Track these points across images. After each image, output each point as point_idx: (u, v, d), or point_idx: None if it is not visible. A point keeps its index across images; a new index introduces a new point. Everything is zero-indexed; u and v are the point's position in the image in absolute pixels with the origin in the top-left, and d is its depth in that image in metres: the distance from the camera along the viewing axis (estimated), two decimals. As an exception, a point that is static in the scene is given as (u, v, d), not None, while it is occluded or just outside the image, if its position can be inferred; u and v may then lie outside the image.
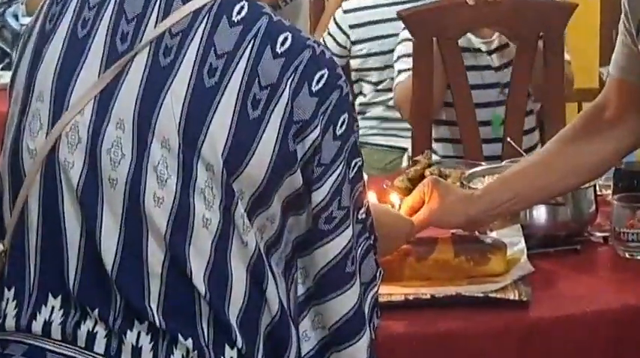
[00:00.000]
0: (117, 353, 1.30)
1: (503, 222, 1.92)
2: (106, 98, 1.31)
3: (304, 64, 1.31)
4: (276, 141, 1.30)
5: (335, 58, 1.36)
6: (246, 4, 1.33)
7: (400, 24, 2.91)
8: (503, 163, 2.23)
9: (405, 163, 3.09)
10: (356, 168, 1.36)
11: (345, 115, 1.33)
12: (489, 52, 2.91)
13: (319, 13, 3.75)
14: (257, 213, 1.31)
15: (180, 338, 1.29)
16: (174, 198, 1.28)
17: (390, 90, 3.14)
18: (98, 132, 1.30)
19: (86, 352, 1.30)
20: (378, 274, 1.42)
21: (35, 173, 1.33)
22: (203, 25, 1.31)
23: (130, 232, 1.29)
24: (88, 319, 1.31)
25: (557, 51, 2.82)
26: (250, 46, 1.30)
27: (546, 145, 1.91)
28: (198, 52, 1.30)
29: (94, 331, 1.30)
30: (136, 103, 1.30)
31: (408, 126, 3.00)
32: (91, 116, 1.31)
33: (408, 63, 2.88)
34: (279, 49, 1.31)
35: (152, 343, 1.30)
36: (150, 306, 1.29)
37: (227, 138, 1.28)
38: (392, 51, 3.04)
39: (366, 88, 3.32)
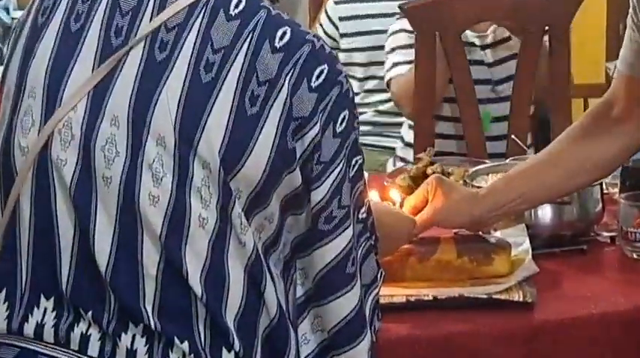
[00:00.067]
0: (111, 356, 1.29)
1: (508, 222, 1.92)
2: (99, 94, 1.30)
3: (304, 58, 1.30)
4: (275, 138, 1.29)
5: None
6: (243, -4, 1.32)
7: (389, 20, 2.89)
8: (507, 161, 2.22)
9: (391, 164, 3.05)
10: (356, 167, 1.35)
11: (346, 112, 1.32)
12: (483, 47, 2.88)
13: (319, 7, 3.75)
14: (255, 212, 1.30)
15: (176, 341, 1.29)
16: (170, 196, 1.28)
17: (379, 91, 3.11)
18: (92, 129, 1.30)
19: (79, 355, 1.30)
20: (379, 275, 1.41)
21: (27, 171, 1.32)
22: (200, 18, 1.30)
23: (125, 232, 1.29)
24: (82, 321, 1.30)
25: (563, 45, 2.80)
26: (248, 40, 1.29)
27: (552, 143, 1.90)
28: (194, 46, 1.29)
29: (88, 333, 1.30)
30: (130, 99, 1.29)
31: (397, 125, 2.97)
32: (85, 112, 1.30)
33: (404, 55, 2.84)
34: (277, 44, 1.30)
35: (147, 346, 1.29)
36: (145, 308, 1.28)
37: (224, 136, 1.27)
38: (378, 47, 3.01)
39: (353, 85, 3.30)
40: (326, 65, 1.31)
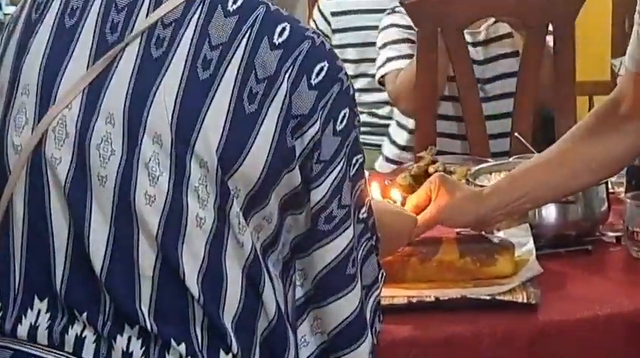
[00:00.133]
0: (106, 358, 1.28)
1: (511, 221, 1.91)
2: (94, 91, 1.29)
3: (303, 55, 1.29)
4: (274, 136, 1.27)
5: None
6: (242, -8, 1.31)
7: (380, 17, 2.87)
8: (511, 160, 2.22)
9: (379, 163, 3.03)
10: (357, 165, 1.34)
11: (346, 110, 1.31)
12: (474, 44, 2.85)
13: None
14: (253, 212, 1.29)
15: (173, 343, 1.28)
16: (167, 196, 1.27)
17: (373, 90, 3.08)
18: (87, 126, 1.29)
19: (74, 357, 1.28)
20: (380, 276, 1.40)
21: (20, 169, 1.31)
22: (197, 14, 1.29)
23: (120, 232, 1.28)
24: (76, 323, 1.29)
25: (567, 42, 2.79)
26: (247, 36, 1.28)
27: (558, 142, 1.89)
28: (191, 43, 1.28)
29: (83, 336, 1.29)
30: (126, 97, 1.28)
31: (385, 123, 2.95)
32: (80, 110, 1.29)
33: (396, 50, 2.81)
34: (276, 40, 1.29)
35: (143, 348, 1.28)
36: (141, 310, 1.27)
37: (222, 134, 1.26)
38: (369, 44, 3.00)
39: None
40: (326, 62, 1.30)
